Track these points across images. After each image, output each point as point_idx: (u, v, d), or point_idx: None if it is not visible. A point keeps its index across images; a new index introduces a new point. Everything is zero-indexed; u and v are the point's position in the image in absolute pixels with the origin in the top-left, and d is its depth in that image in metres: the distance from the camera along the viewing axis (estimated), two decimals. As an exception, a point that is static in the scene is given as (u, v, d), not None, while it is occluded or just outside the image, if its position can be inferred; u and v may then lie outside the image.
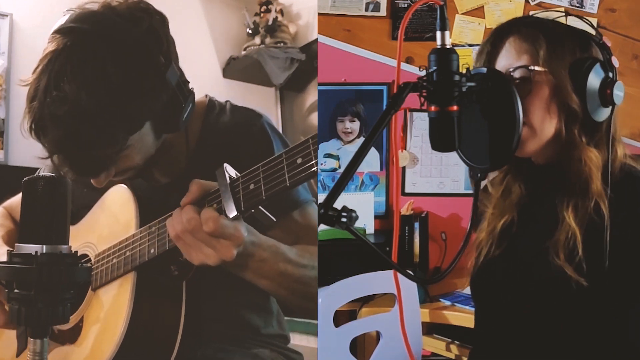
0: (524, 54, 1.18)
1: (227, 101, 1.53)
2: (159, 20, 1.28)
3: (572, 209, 1.16)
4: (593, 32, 1.22)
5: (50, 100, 1.17)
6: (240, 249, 1.18)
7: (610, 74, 1.18)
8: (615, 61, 1.19)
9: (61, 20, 1.23)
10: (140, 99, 1.22)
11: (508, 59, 1.20)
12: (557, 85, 1.16)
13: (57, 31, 1.22)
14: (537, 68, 1.16)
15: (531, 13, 2.88)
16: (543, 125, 1.17)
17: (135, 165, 1.34)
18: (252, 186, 1.14)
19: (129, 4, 1.27)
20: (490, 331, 1.31)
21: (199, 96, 1.45)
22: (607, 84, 1.16)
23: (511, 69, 1.18)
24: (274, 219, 1.19)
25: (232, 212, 1.14)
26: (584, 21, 1.26)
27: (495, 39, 1.22)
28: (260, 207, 1.15)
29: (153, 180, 1.47)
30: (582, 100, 1.15)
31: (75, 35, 1.20)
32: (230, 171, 1.18)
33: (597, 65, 1.17)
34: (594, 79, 1.16)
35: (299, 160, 1.09)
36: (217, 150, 1.23)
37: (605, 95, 1.16)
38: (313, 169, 1.07)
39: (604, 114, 1.18)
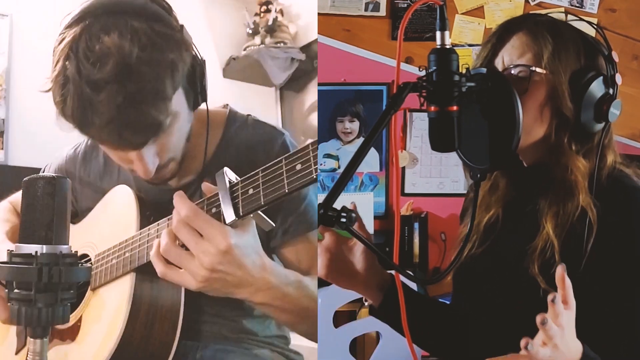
0: (527, 53, 1.18)
1: (248, 115, 1.51)
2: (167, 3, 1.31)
3: (553, 217, 1.15)
4: (593, 33, 1.22)
5: (87, 71, 1.16)
6: (241, 277, 1.14)
7: (611, 91, 1.17)
8: (618, 78, 1.17)
9: (69, 15, 1.24)
10: (171, 53, 1.22)
11: (511, 55, 1.19)
12: (555, 90, 1.15)
13: (68, 25, 1.23)
14: (537, 69, 1.16)
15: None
16: (532, 126, 1.16)
17: (173, 154, 1.34)
18: (251, 191, 1.13)
19: None
20: (467, 325, 1.32)
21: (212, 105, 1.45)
22: (605, 100, 1.15)
23: (512, 65, 1.18)
24: (273, 224, 1.18)
25: (231, 216, 1.13)
26: (593, 26, 1.24)
27: (503, 33, 1.21)
28: (259, 212, 1.15)
29: (164, 184, 1.47)
30: (577, 110, 1.15)
31: (91, 15, 1.21)
32: (230, 175, 1.18)
33: (600, 79, 1.16)
34: (593, 93, 1.15)
35: (298, 167, 1.08)
36: (234, 163, 1.22)
37: (600, 111, 1.15)
38: (312, 176, 1.07)
39: (596, 127, 1.17)
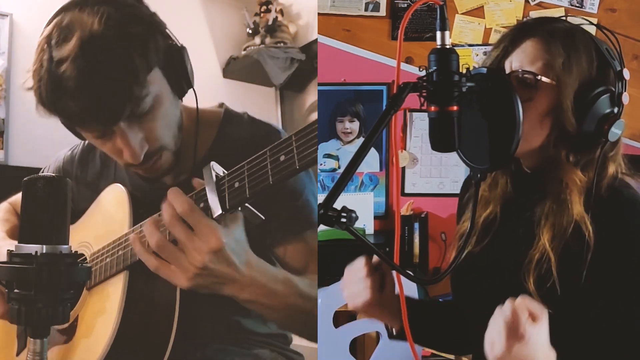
0: (538, 61, 1.15)
1: (244, 112, 1.51)
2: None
3: (549, 229, 1.14)
4: (594, 32, 1.21)
5: (55, 52, 1.19)
6: (234, 274, 1.16)
7: (616, 109, 1.15)
8: (625, 98, 1.15)
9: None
10: (137, 28, 1.24)
11: (521, 60, 1.17)
12: (559, 103, 1.13)
13: (47, 24, 1.26)
14: (545, 79, 1.14)
15: (531, 13, 2.88)
16: (530, 134, 1.14)
17: (163, 141, 1.33)
18: (237, 184, 1.13)
19: None
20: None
21: (204, 100, 1.45)
22: (608, 119, 1.13)
23: (520, 70, 1.15)
24: (262, 217, 1.18)
25: (217, 210, 1.13)
26: (603, 30, 1.22)
27: (517, 35, 1.18)
28: (247, 205, 1.15)
29: (159, 182, 1.47)
30: (580, 122, 1.12)
31: (63, 10, 1.25)
32: (217, 169, 1.18)
33: (606, 97, 1.14)
34: (598, 109, 1.13)
35: (282, 158, 1.08)
36: (230, 161, 1.24)
37: (601, 129, 1.13)
38: (295, 167, 1.06)
39: (595, 143, 1.15)
